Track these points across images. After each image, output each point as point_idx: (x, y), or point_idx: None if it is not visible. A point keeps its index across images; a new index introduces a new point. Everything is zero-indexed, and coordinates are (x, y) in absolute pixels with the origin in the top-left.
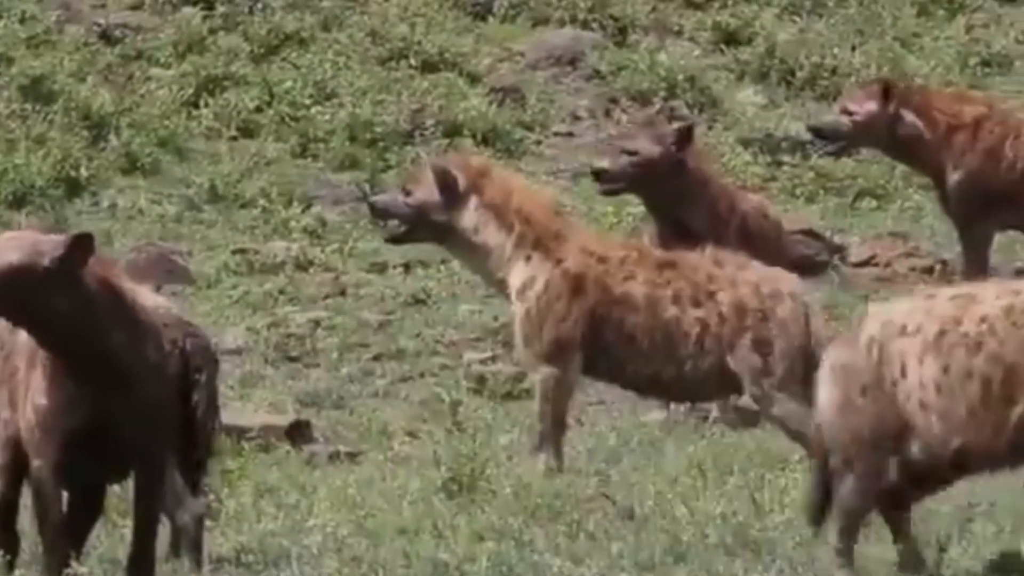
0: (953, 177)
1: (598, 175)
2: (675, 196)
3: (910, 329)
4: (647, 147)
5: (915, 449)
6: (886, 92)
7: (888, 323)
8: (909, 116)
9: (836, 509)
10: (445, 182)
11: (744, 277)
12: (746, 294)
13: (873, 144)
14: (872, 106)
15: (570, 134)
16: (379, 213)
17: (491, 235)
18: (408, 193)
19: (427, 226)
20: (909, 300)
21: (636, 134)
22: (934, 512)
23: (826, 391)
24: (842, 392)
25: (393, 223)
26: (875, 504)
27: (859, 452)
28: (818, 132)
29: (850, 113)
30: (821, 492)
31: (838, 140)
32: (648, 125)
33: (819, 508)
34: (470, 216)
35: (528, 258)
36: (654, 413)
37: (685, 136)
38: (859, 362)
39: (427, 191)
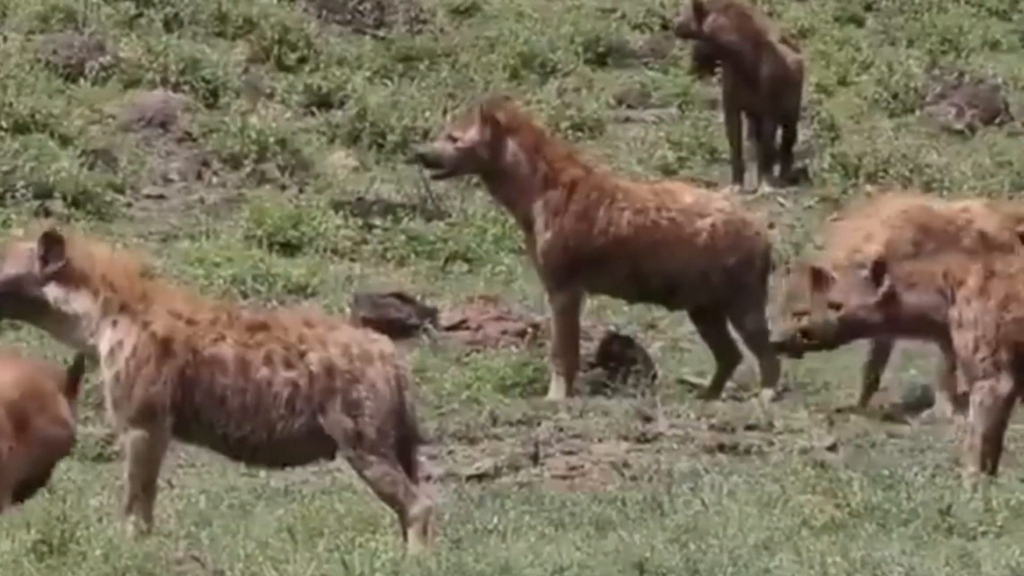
0: (544, 236)
1: (424, 159)
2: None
3: None
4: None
5: None
6: (491, 119)
7: None
8: (513, 147)
9: None
10: (46, 251)
11: (335, 338)
12: (336, 355)
13: (475, 170)
14: (474, 133)
15: (161, 196)
16: None
17: (79, 304)
18: None
19: (18, 301)
20: None
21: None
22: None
23: None
24: None
25: None
26: None
27: None
28: (424, 159)
29: (455, 139)
30: None
31: (441, 167)
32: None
33: None
34: (57, 287)
35: (115, 323)
36: None
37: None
38: None
39: (16, 266)
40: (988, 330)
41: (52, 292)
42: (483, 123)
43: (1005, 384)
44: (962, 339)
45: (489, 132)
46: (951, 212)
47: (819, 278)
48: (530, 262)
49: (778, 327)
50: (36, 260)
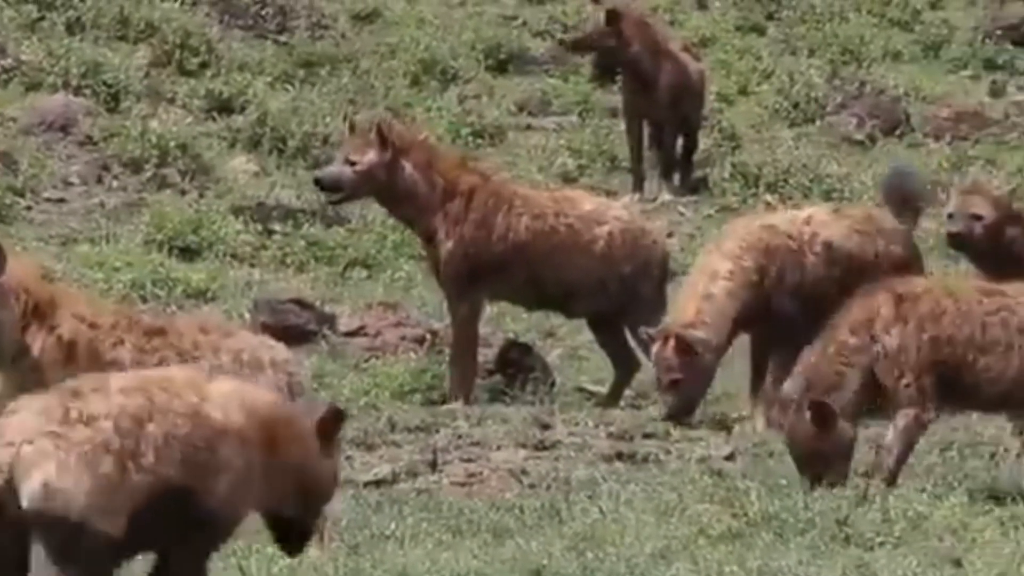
0: (446, 246)
1: (321, 184)
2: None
3: None
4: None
5: None
6: (384, 139)
7: None
8: (408, 168)
9: None
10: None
11: (228, 345)
12: (226, 362)
13: (373, 191)
14: (373, 156)
15: (62, 200)
16: None
17: (9, 313)
18: None
19: None
20: None
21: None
22: None
23: None
24: None
25: None
26: None
27: None
28: (321, 184)
29: (352, 163)
30: None
31: (340, 191)
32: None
33: None
34: None
35: (25, 327)
36: None
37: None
38: None
39: None
40: (910, 355)
41: None
42: (381, 145)
43: (930, 413)
44: (887, 368)
45: (388, 154)
46: (793, 228)
47: (683, 344)
48: (430, 272)
49: (661, 400)
50: None
